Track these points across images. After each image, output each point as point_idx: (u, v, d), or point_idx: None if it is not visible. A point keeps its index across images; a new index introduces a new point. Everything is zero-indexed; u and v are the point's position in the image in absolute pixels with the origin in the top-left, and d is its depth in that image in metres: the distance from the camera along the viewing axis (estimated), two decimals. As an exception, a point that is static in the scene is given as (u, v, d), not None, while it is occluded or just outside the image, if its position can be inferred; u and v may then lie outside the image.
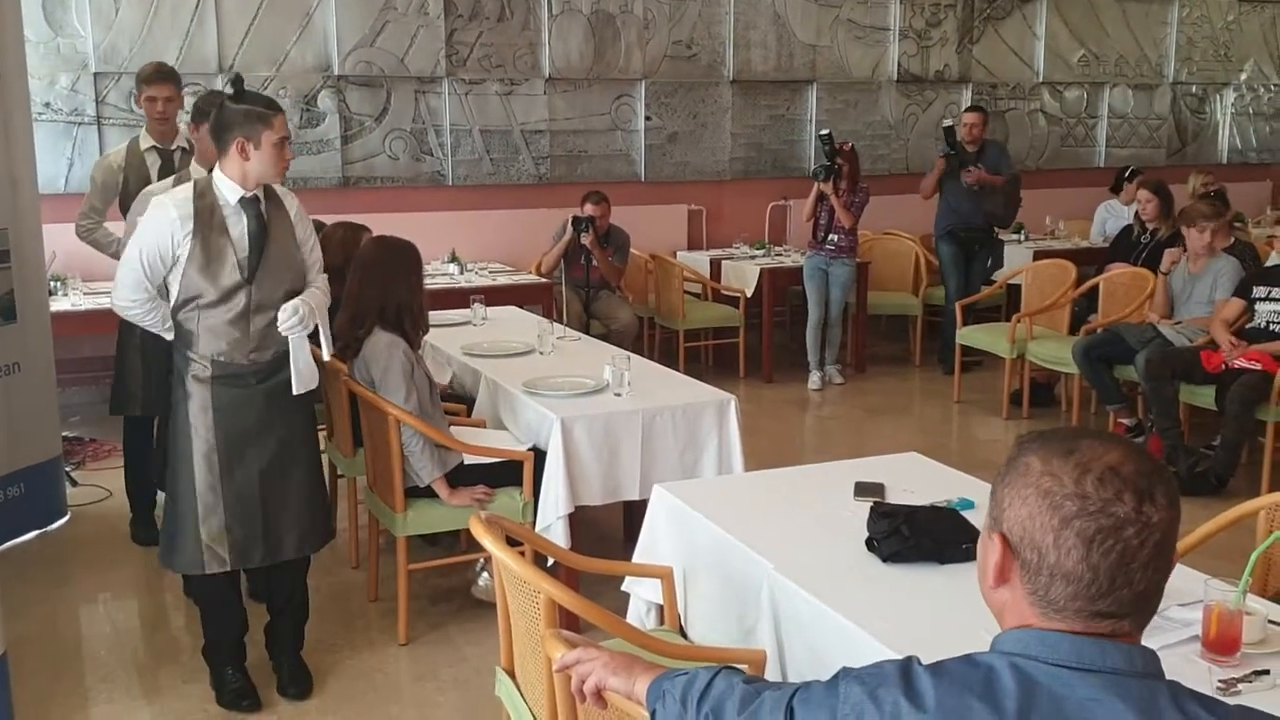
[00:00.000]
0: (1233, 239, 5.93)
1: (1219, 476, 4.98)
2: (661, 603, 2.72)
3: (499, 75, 7.44)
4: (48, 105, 6.31)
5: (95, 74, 6.42)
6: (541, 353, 4.46)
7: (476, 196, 7.47)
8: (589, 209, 6.48)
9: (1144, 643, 1.20)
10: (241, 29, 6.73)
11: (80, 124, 6.43)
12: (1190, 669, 1.89)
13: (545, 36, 7.51)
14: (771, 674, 2.27)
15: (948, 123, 7.38)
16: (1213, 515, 2.57)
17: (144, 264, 2.99)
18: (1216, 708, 1.16)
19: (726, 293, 7.33)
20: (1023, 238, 8.02)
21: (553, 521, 3.57)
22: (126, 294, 3.05)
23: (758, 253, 7.56)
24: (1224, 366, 4.99)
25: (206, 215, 2.99)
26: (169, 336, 3.12)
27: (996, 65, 9.06)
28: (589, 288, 6.55)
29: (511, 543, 2.31)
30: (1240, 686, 1.85)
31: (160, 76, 4.37)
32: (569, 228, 6.47)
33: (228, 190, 3.02)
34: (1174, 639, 1.97)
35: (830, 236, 6.79)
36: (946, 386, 6.87)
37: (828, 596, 2.18)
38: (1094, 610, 1.16)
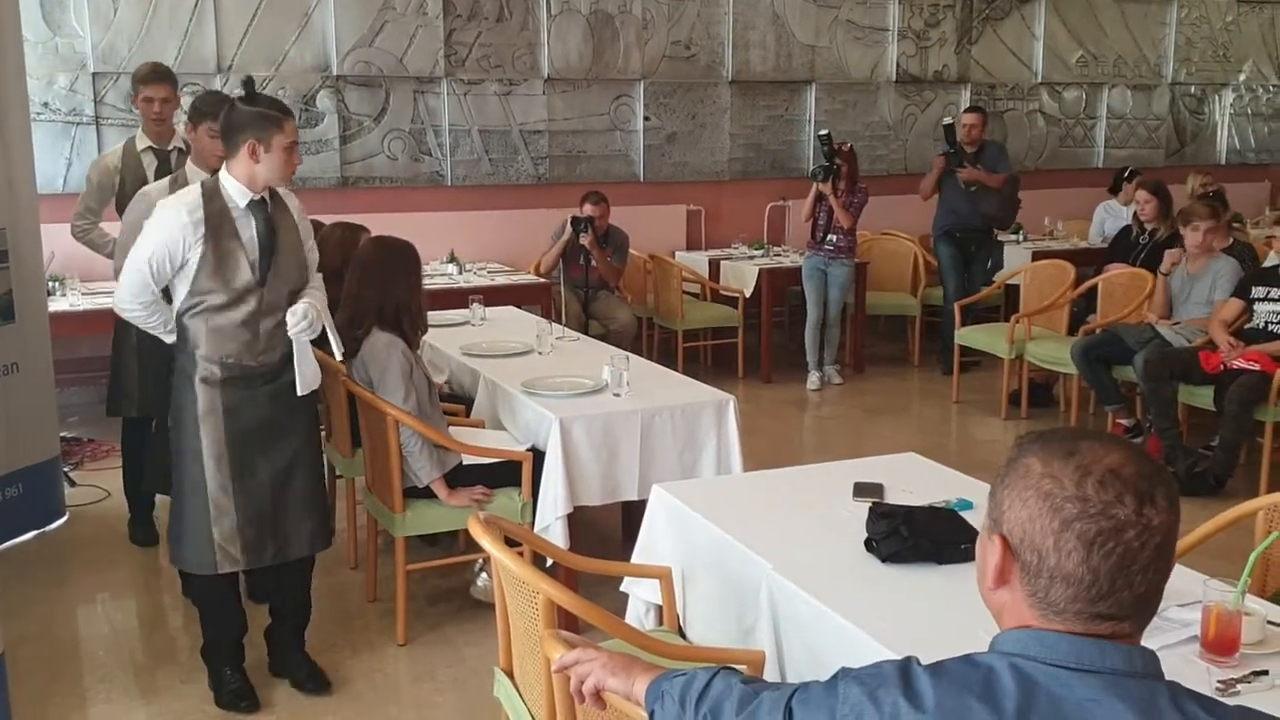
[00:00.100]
0: (1231, 240, 5.94)
1: (1217, 477, 4.98)
2: (660, 603, 2.72)
3: (498, 75, 7.44)
4: (46, 105, 6.30)
5: (94, 74, 6.42)
6: (540, 353, 4.46)
7: (475, 197, 7.47)
8: (588, 209, 6.48)
9: (1143, 643, 1.20)
10: (240, 29, 6.73)
11: (79, 124, 6.42)
12: (1189, 669, 1.89)
13: (544, 37, 7.51)
14: (770, 674, 2.27)
15: (947, 121, 7.38)
16: (1211, 516, 2.57)
17: (152, 267, 2.97)
18: (1216, 708, 1.16)
19: (725, 293, 7.33)
20: (1021, 238, 8.02)
21: (551, 522, 3.57)
22: (130, 297, 3.04)
23: (756, 253, 7.56)
24: (1222, 367, 4.99)
25: (217, 218, 2.98)
26: (169, 339, 3.12)
27: (995, 66, 9.06)
28: (588, 288, 6.55)
29: (510, 543, 2.31)
30: (1239, 687, 1.85)
31: (156, 76, 4.36)
32: (568, 228, 6.47)
33: (236, 193, 3.02)
34: (1173, 639, 1.97)
35: (829, 237, 6.79)
36: (945, 387, 6.87)
37: (827, 597, 2.18)
38: (1094, 612, 1.16)
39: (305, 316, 3.07)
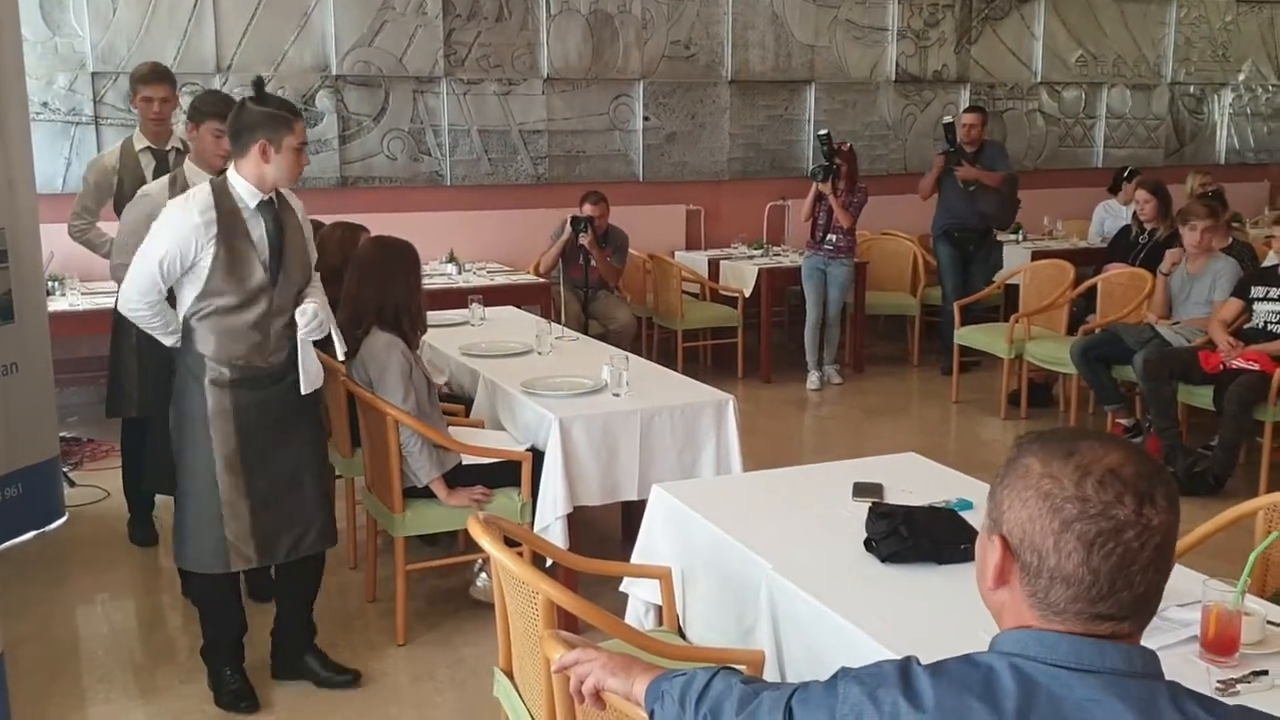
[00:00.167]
0: (1230, 239, 5.94)
1: (1217, 476, 4.98)
2: (660, 603, 2.72)
3: (497, 75, 7.43)
4: (45, 105, 6.30)
5: (93, 74, 6.42)
6: (540, 353, 4.46)
7: (475, 196, 7.47)
8: (587, 209, 6.48)
9: (1143, 643, 1.20)
10: (239, 29, 6.72)
11: (78, 124, 6.42)
12: (1189, 669, 1.89)
13: (543, 36, 7.51)
14: (770, 674, 2.27)
15: (947, 119, 7.38)
16: (1211, 515, 2.57)
17: (163, 267, 2.96)
18: (1215, 708, 1.16)
19: (725, 293, 7.33)
20: (1020, 238, 8.02)
21: (551, 522, 3.57)
22: (138, 296, 3.02)
23: (756, 253, 7.56)
24: (1222, 367, 4.99)
25: (229, 219, 2.98)
26: (169, 341, 3.11)
27: (994, 65, 9.06)
28: (587, 288, 6.55)
29: (510, 543, 2.31)
30: (1239, 687, 1.85)
31: (156, 76, 4.35)
32: (567, 227, 6.47)
33: (246, 193, 3.01)
34: (1173, 639, 1.97)
35: (828, 236, 6.79)
36: (945, 387, 6.87)
37: (826, 597, 2.18)
38: (1094, 613, 1.16)
39: (315, 316, 3.10)
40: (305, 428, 3.23)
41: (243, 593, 3.40)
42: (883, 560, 2.35)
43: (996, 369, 6.59)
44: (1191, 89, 9.96)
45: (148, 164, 4.30)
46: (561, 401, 3.76)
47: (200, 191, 3.02)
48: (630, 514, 4.07)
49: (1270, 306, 5.13)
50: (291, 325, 3.11)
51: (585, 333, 5.66)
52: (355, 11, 6.98)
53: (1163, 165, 9.52)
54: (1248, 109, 10.26)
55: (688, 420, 3.76)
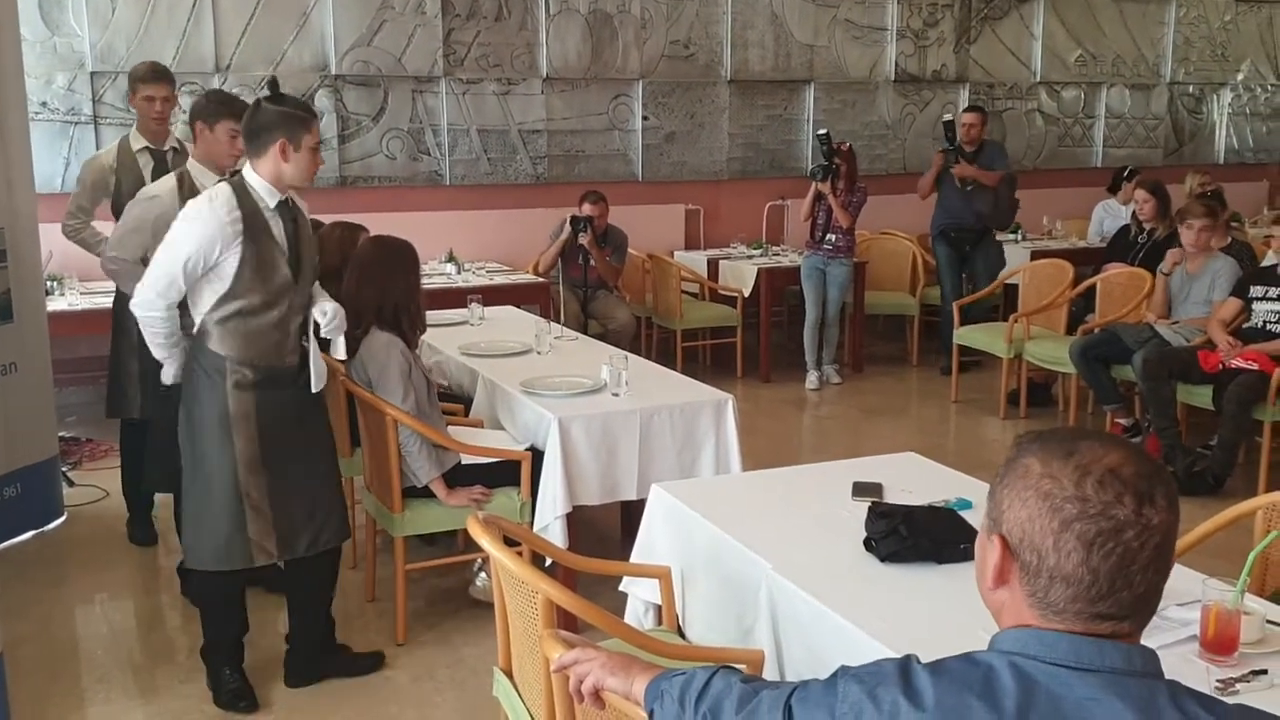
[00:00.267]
0: (1229, 239, 5.94)
1: (1216, 476, 4.98)
2: (659, 603, 2.72)
3: (496, 75, 7.43)
4: (44, 105, 6.30)
5: (92, 73, 6.41)
6: (539, 352, 4.46)
7: (474, 196, 7.47)
8: (587, 209, 6.48)
9: (1142, 642, 1.20)
10: (238, 28, 6.72)
11: (77, 123, 6.42)
12: (1188, 669, 1.89)
13: (543, 36, 7.51)
14: (770, 674, 2.27)
15: (947, 117, 7.37)
16: (1210, 515, 2.57)
17: (187, 268, 2.94)
18: (1215, 707, 1.16)
19: (724, 292, 7.33)
20: (1020, 237, 8.02)
21: (550, 521, 3.57)
22: (157, 297, 2.99)
23: (755, 252, 7.56)
24: (1221, 366, 4.99)
25: (252, 219, 2.99)
26: (161, 354, 3.09)
27: (994, 65, 9.06)
28: (586, 287, 6.55)
29: (509, 543, 2.31)
30: (1238, 686, 1.85)
31: (157, 76, 4.33)
32: (566, 227, 6.47)
33: (265, 193, 3.02)
34: (1172, 639, 1.97)
35: (828, 236, 6.79)
36: (944, 386, 6.87)
37: (826, 596, 2.18)
38: (1093, 612, 1.16)
39: (336, 316, 3.15)
40: (319, 425, 3.28)
41: (243, 592, 3.40)
42: (882, 560, 2.35)
43: (996, 369, 6.59)
44: (1190, 89, 9.97)
45: (146, 164, 4.28)
46: (561, 401, 3.76)
47: (222, 192, 3.00)
48: (629, 513, 4.07)
49: (1269, 306, 5.13)
50: (307, 325, 3.14)
51: (584, 332, 5.66)
52: (354, 11, 6.98)
53: (1162, 165, 9.53)
54: (1247, 109, 10.26)
55: (687, 420, 3.76)
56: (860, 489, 2.76)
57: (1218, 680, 1.86)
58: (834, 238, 6.78)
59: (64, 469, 4.97)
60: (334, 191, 6.97)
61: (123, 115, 6.42)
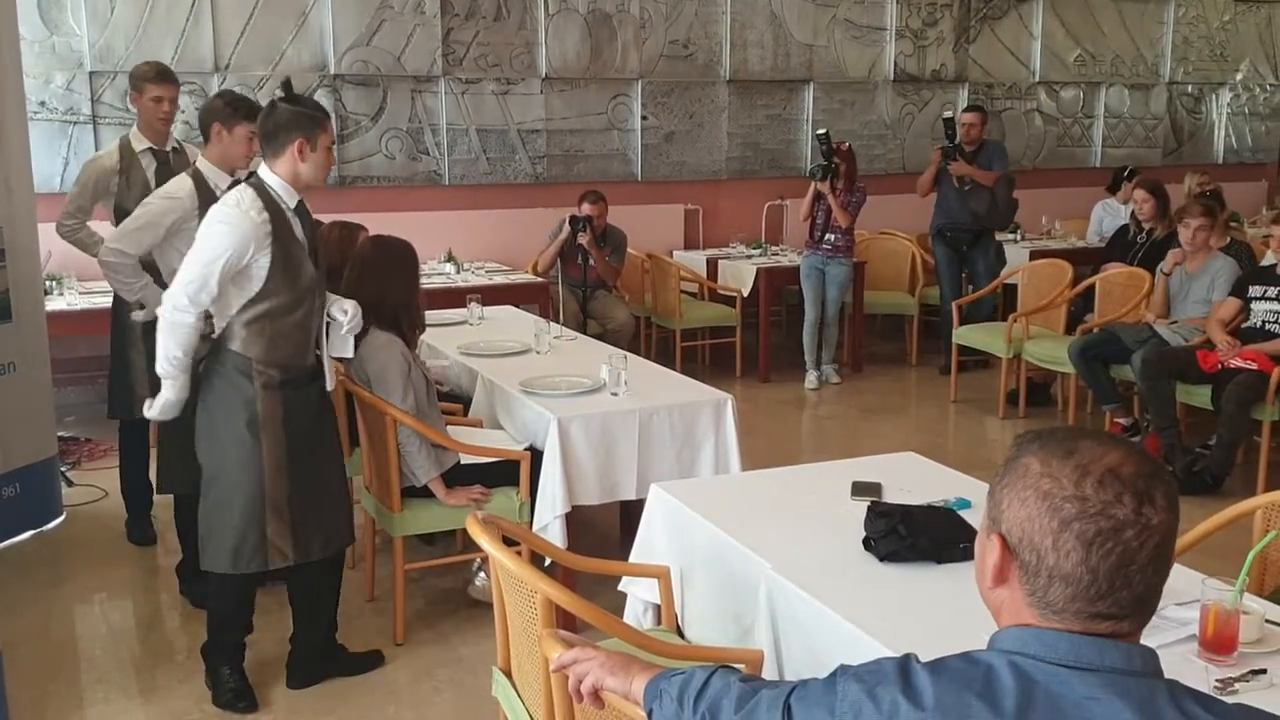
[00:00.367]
0: (1228, 239, 5.95)
1: (1215, 476, 4.98)
2: (658, 602, 2.72)
3: (495, 75, 7.43)
4: (43, 104, 6.30)
5: (91, 73, 6.41)
6: (538, 352, 4.46)
7: (473, 196, 7.47)
8: (586, 208, 6.48)
9: (1141, 642, 1.20)
10: (237, 28, 6.72)
11: (76, 123, 6.42)
12: (1187, 668, 1.89)
13: (542, 36, 7.51)
14: (769, 673, 2.27)
15: (947, 114, 7.35)
16: (1209, 514, 2.57)
17: (222, 271, 2.92)
18: (1214, 706, 1.16)
19: (723, 292, 7.33)
20: (1019, 237, 8.02)
21: (549, 521, 3.57)
22: (189, 301, 2.94)
23: (754, 252, 7.56)
24: (1220, 366, 4.99)
25: (278, 219, 2.99)
26: (184, 362, 3.03)
27: (993, 65, 9.07)
28: (586, 287, 6.55)
29: (508, 542, 2.31)
30: (1237, 686, 1.85)
31: (165, 77, 4.32)
32: (566, 227, 6.47)
33: (284, 193, 3.03)
34: (1171, 638, 1.97)
35: (827, 236, 6.79)
36: (943, 386, 6.87)
37: (825, 596, 2.18)
38: (1093, 612, 1.16)
39: (356, 314, 3.20)
40: (332, 425, 3.31)
41: (254, 593, 3.39)
42: (881, 559, 2.35)
43: (995, 368, 6.59)
44: (1189, 88, 9.97)
45: (149, 164, 4.26)
46: (560, 401, 3.76)
47: (248, 194, 3.00)
48: (629, 513, 4.07)
49: (1268, 306, 5.13)
50: (325, 324, 3.18)
51: (584, 332, 5.66)
52: (353, 11, 6.98)
53: (1160, 165, 9.53)
54: (1245, 108, 10.27)
55: (686, 420, 3.75)
56: (859, 489, 2.76)
57: (1217, 680, 1.86)
58: (833, 237, 6.78)
59: (63, 469, 4.97)
60: (333, 191, 6.96)
61: (122, 115, 6.41)
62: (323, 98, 6.95)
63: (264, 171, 3.03)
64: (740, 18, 8.08)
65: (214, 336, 3.08)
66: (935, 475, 2.96)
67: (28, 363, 4.35)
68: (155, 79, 4.26)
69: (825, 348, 7.03)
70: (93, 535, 4.55)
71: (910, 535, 2.33)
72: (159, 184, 4.10)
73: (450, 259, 6.74)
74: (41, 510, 4.51)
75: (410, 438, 3.49)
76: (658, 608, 2.75)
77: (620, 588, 2.92)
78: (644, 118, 7.89)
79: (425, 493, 3.59)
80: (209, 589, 3.30)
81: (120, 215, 4.16)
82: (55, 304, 5.40)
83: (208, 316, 3.08)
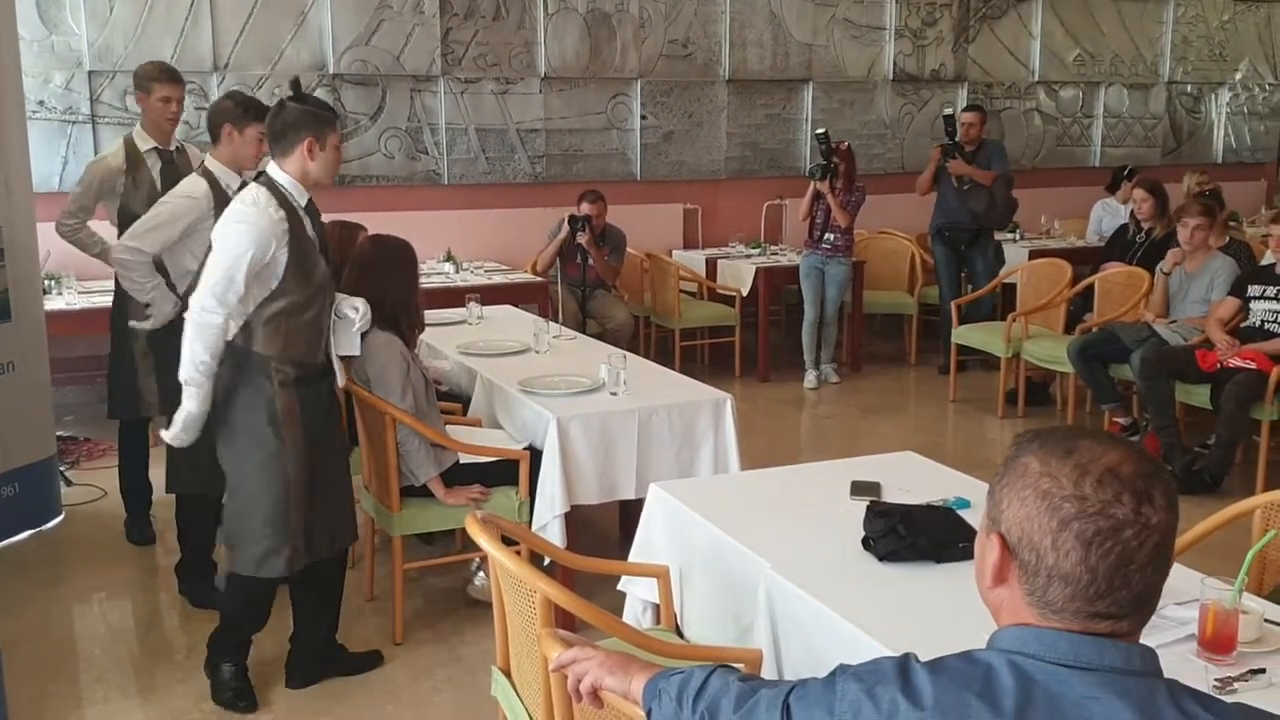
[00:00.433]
0: (1227, 238, 5.95)
1: (1214, 475, 4.98)
2: (658, 602, 2.72)
3: (494, 74, 7.43)
4: (42, 104, 6.29)
5: (90, 72, 6.41)
6: (537, 352, 4.46)
7: (472, 195, 7.46)
8: (585, 208, 6.48)
9: (1140, 641, 1.20)
10: (236, 27, 6.72)
11: (75, 122, 6.41)
12: (1186, 668, 1.89)
13: (541, 35, 7.50)
14: (768, 673, 2.26)
15: (948, 111, 7.34)
16: (1208, 514, 2.57)
17: (248, 268, 2.92)
18: (1214, 705, 1.16)
19: (722, 292, 7.33)
20: (1018, 237, 8.02)
21: (549, 520, 3.57)
22: (217, 303, 2.92)
23: (753, 252, 7.56)
24: (1219, 365, 5.00)
25: (292, 217, 3.01)
26: (211, 367, 3.00)
27: (992, 64, 9.06)
28: (585, 287, 6.55)
29: (507, 542, 2.31)
30: (1236, 685, 1.85)
31: (173, 76, 4.31)
32: (564, 226, 6.47)
33: (295, 192, 3.03)
34: (1170, 638, 1.97)
35: (826, 236, 6.79)
36: (942, 385, 6.87)
37: (824, 595, 2.18)
38: (1092, 611, 1.16)
39: (367, 312, 3.23)
40: (338, 422, 3.33)
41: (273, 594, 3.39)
42: (880, 559, 2.35)
43: (994, 368, 6.59)
44: (1189, 88, 9.97)
45: (154, 164, 4.25)
46: (559, 400, 3.76)
47: (262, 192, 3.00)
48: (628, 513, 4.07)
49: (1267, 305, 5.14)
50: (335, 321, 3.21)
51: (583, 331, 5.66)
52: (352, 10, 6.97)
53: (1160, 164, 9.53)
54: (1245, 108, 10.27)
55: (685, 419, 3.75)
56: (858, 488, 2.76)
57: (1216, 679, 1.86)
58: (832, 237, 6.78)
59: (62, 468, 4.97)
60: (332, 190, 6.92)
61: (121, 114, 6.41)
62: (322, 97, 6.93)
63: (274, 170, 3.04)
64: (739, 17, 8.08)
65: (228, 340, 3.05)
66: (934, 475, 2.96)
67: (26, 362, 4.34)
68: (164, 79, 4.26)
69: (824, 347, 7.03)
70: (91, 535, 4.54)
71: (909, 535, 2.33)
72: (164, 184, 4.12)
73: (449, 258, 6.73)
74: (40, 510, 4.51)
75: (409, 437, 3.49)
76: (657, 607, 2.75)
77: (619, 587, 2.92)
78: (643, 117, 7.89)
79: (424, 492, 3.58)
80: (226, 587, 3.28)
81: (125, 215, 4.16)
82: (54, 303, 5.39)
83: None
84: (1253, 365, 4.91)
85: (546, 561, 2.93)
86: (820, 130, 6.85)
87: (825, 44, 8.40)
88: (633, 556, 2.88)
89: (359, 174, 7.15)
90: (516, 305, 5.85)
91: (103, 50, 6.42)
